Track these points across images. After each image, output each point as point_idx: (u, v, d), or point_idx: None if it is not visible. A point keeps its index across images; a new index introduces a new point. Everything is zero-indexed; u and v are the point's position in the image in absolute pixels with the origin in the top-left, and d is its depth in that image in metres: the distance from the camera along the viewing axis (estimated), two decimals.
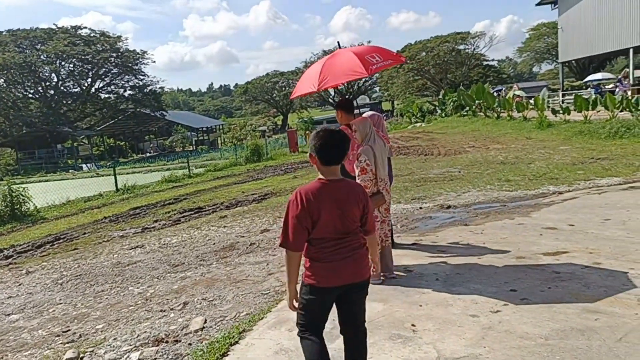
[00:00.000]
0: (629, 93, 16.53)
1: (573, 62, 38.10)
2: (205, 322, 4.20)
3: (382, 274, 4.62)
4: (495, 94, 30.06)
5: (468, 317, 3.58)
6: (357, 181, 4.38)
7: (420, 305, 3.88)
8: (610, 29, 26.22)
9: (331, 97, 72.69)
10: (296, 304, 2.59)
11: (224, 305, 4.53)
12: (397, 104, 62.13)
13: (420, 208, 7.65)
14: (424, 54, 58.74)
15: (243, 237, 7.24)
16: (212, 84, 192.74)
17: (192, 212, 10.02)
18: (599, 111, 15.75)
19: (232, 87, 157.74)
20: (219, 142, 57.63)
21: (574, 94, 20.24)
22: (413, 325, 3.55)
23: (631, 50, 24.81)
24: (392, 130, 35.98)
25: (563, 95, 29.26)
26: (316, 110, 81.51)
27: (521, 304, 3.70)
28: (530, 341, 3.14)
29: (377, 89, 79.36)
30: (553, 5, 32.22)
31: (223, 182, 15.64)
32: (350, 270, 2.52)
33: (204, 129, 65.34)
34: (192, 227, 8.41)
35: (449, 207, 7.55)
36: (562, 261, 4.56)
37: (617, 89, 18.12)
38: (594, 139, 13.61)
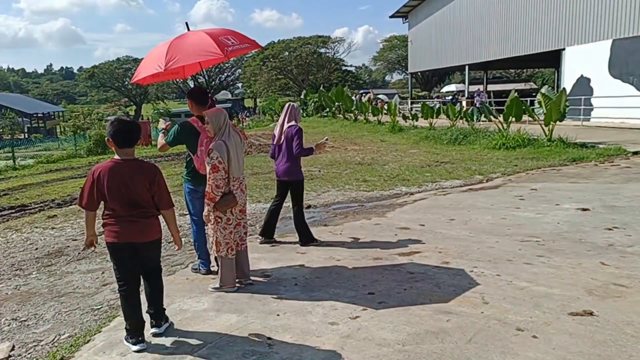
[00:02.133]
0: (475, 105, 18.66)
1: (419, 73, 42.03)
2: (12, 349, 3.36)
3: (237, 280, 4.22)
4: (363, 96, 31.48)
5: (327, 325, 3.36)
6: (208, 180, 3.92)
7: (278, 315, 3.57)
8: (451, 46, 29.37)
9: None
10: (91, 248, 3.28)
11: (40, 327, 3.70)
12: (260, 102, 62.02)
13: None
14: (286, 53, 59.52)
15: (76, 240, 6.22)
16: (51, 65, 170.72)
17: (13, 211, 8.43)
18: (453, 119, 17.24)
19: (75, 71, 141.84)
20: (58, 130, 51.25)
21: (421, 103, 22.15)
22: (269, 338, 3.21)
23: (467, 67, 28.08)
24: (254, 128, 35.67)
25: (411, 103, 31.96)
26: (174, 102, 77.52)
27: (379, 307, 3.61)
28: (388, 348, 3.02)
29: (239, 85, 78.30)
30: (404, 19, 35.00)
31: (57, 175, 13.68)
32: (136, 231, 3.13)
33: (39, 115, 57.71)
34: (9, 229, 7.01)
35: (308, 206, 7.42)
36: (415, 261, 4.65)
37: (476, 101, 20.39)
38: (438, 144, 14.90)
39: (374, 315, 3.48)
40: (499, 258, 4.58)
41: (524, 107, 13.10)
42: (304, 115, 32.71)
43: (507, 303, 3.55)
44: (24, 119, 52.61)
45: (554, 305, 3.46)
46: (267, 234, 5.48)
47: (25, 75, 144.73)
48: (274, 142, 5.39)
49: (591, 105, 18.54)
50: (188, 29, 4.32)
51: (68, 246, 5.95)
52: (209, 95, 4.64)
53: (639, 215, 5.86)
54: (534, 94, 22.78)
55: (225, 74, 69.06)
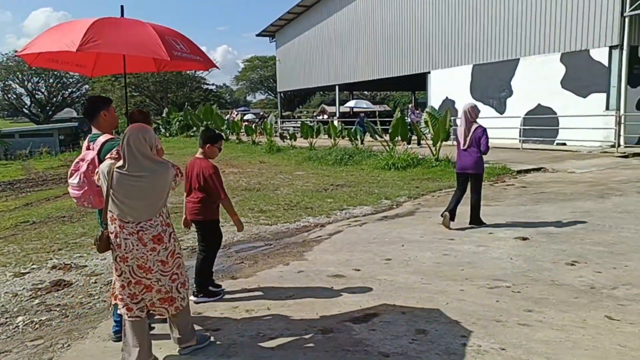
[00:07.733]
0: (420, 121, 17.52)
1: (282, 94, 41.60)
2: None
3: None
4: (238, 115, 29.41)
5: None
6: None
7: None
8: (320, 66, 29.42)
9: (26, 106, 60.48)
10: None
11: None
12: None
13: None
14: None
15: None
16: None
17: None
18: (344, 138, 16.37)
19: None
20: None
21: (300, 122, 21.39)
22: None
23: (337, 87, 28.33)
24: None
25: (282, 122, 31.24)
26: (5, 120, 66.90)
27: None
28: None
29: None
30: (271, 38, 34.44)
31: None
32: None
33: None
34: None
35: None
36: (380, 331, 3.43)
37: (413, 119, 18.90)
38: (323, 165, 14.09)
39: None
40: (482, 317, 3.58)
41: (410, 127, 12.94)
42: (167, 135, 30.02)
43: None
44: None
45: None
46: (452, 215, 6.23)
47: None
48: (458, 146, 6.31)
49: (455, 125, 19.57)
50: (122, 14, 3.02)
51: None
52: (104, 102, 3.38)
53: (580, 243, 5.44)
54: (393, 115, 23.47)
55: (70, 90, 61.63)
